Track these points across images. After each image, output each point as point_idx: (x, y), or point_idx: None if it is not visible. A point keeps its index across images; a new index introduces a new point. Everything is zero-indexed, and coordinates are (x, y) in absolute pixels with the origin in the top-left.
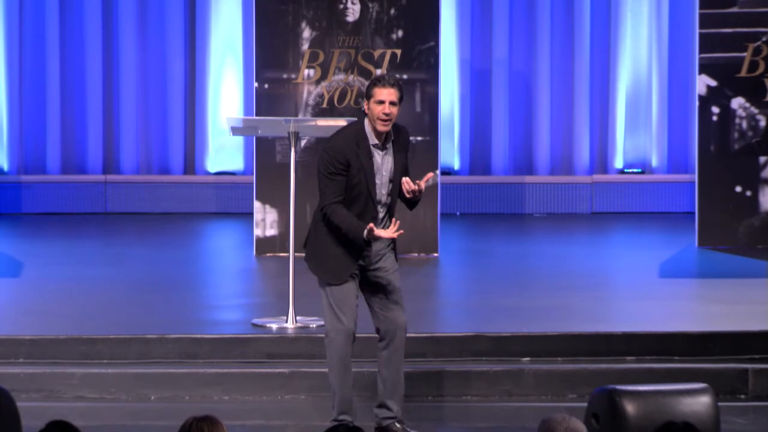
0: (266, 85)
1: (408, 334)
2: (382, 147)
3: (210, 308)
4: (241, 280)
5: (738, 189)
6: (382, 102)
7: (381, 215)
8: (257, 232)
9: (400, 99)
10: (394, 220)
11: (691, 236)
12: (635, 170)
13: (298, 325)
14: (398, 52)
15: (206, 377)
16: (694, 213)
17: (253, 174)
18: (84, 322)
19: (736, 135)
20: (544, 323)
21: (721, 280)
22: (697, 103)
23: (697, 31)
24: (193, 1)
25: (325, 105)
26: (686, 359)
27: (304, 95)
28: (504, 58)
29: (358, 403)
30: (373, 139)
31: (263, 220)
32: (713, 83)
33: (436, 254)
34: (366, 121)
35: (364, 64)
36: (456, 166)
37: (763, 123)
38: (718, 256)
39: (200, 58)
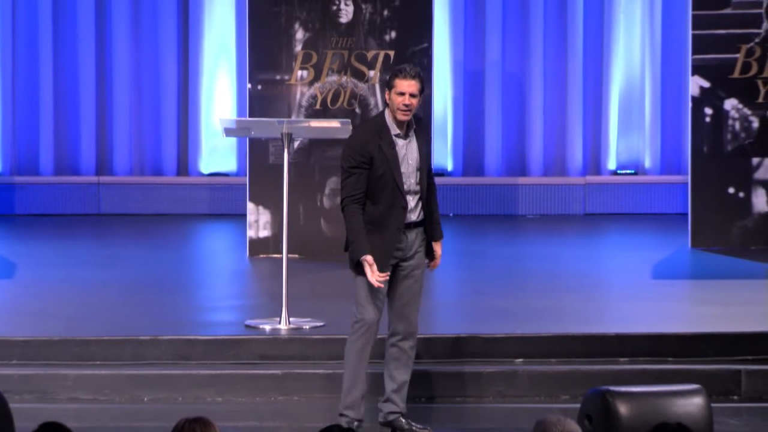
0: (259, 87)
1: None
2: (405, 136)
3: (203, 310)
4: (234, 281)
5: (731, 190)
6: (402, 93)
7: (412, 204)
8: (250, 233)
9: (421, 91)
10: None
11: (684, 237)
12: (628, 171)
13: (291, 326)
14: (391, 53)
15: (199, 378)
16: (687, 214)
17: (246, 175)
18: (77, 324)
19: (729, 136)
20: (537, 324)
21: (715, 281)
22: (690, 105)
23: (690, 32)
24: (187, 3)
25: (318, 106)
26: (679, 360)
27: (297, 96)
28: (497, 60)
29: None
30: (395, 129)
31: (256, 221)
32: (706, 84)
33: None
34: (387, 112)
35: (357, 65)
36: (449, 167)
37: (756, 124)
38: (711, 257)
39: (193, 60)
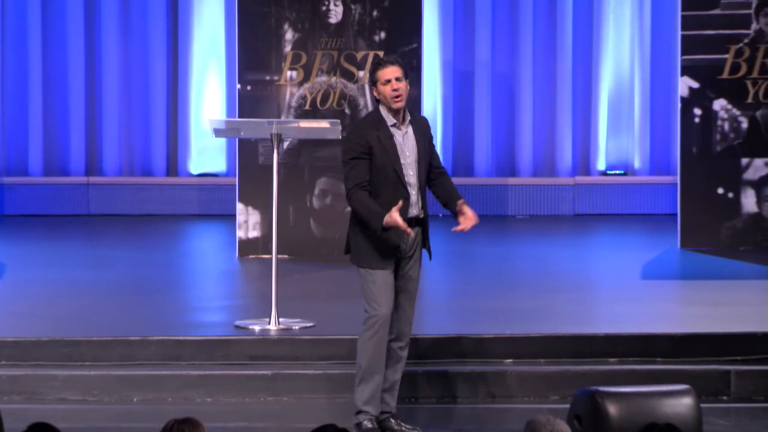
0: (249, 87)
1: None
2: (401, 127)
3: (193, 310)
4: (223, 282)
5: (720, 191)
6: (388, 81)
7: (413, 197)
8: (240, 233)
9: (406, 74)
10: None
11: (673, 238)
12: (617, 172)
13: (281, 327)
14: (381, 53)
15: (189, 379)
16: (676, 215)
17: (235, 176)
18: (67, 324)
19: (718, 137)
20: (526, 325)
21: (704, 281)
22: (679, 105)
23: (680, 32)
24: (176, 3)
25: (307, 107)
26: (669, 361)
27: (287, 97)
28: (487, 60)
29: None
30: (390, 120)
31: (246, 221)
32: (695, 85)
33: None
34: (380, 107)
35: (346, 65)
36: None
37: (745, 125)
38: (700, 257)
39: (183, 60)
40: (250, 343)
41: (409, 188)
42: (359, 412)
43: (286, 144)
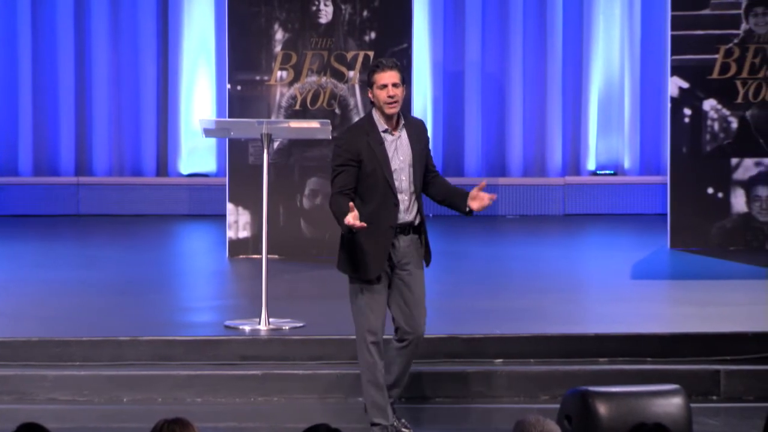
0: (239, 87)
1: None
2: (393, 131)
3: (183, 310)
4: (213, 282)
5: (710, 191)
6: (384, 86)
7: (405, 203)
8: (230, 234)
9: (402, 80)
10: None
11: (663, 238)
12: (607, 172)
13: (271, 327)
14: (371, 53)
15: (179, 379)
16: (666, 215)
17: (225, 176)
18: (56, 325)
19: (708, 137)
20: (516, 325)
21: (693, 281)
22: (669, 105)
23: (669, 33)
24: (166, 3)
25: (297, 107)
26: (658, 360)
27: (277, 97)
28: (477, 60)
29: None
30: (382, 125)
31: (236, 221)
32: (685, 85)
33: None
34: (374, 111)
35: (336, 65)
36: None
37: (735, 125)
38: (690, 257)
39: (173, 60)
40: (240, 343)
41: (399, 194)
42: (373, 424)
43: (276, 144)
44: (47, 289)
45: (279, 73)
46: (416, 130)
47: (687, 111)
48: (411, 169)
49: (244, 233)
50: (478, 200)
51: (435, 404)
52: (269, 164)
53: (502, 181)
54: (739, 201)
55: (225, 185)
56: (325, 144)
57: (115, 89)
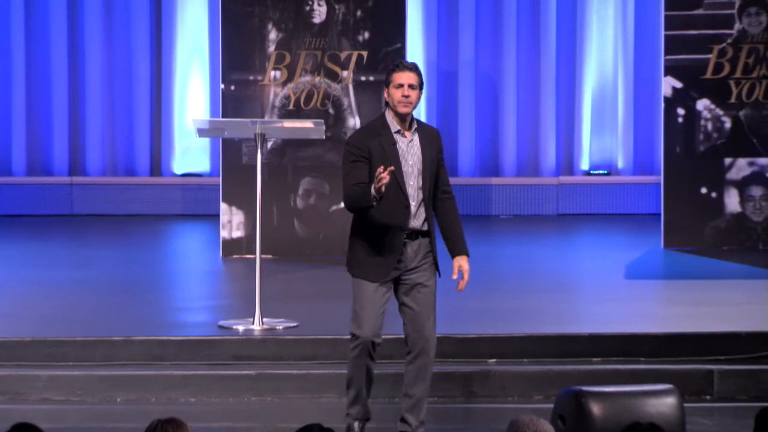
0: (232, 87)
1: None
2: (406, 134)
3: (176, 310)
4: (207, 282)
5: (703, 190)
6: (401, 85)
7: (413, 208)
8: (224, 233)
9: (420, 84)
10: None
11: (656, 238)
12: (601, 172)
13: (265, 327)
14: (364, 53)
15: (172, 379)
16: (659, 214)
17: (219, 176)
18: (50, 324)
19: (701, 137)
20: (510, 325)
21: (687, 281)
22: (662, 105)
23: (663, 33)
24: (159, 3)
25: (291, 107)
26: (652, 360)
27: (271, 97)
28: (470, 60)
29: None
30: (395, 126)
31: (230, 221)
32: (678, 85)
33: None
34: (387, 111)
35: (330, 65)
36: None
37: (728, 125)
38: (683, 257)
39: (166, 60)
40: (233, 343)
41: (409, 198)
42: (347, 414)
43: (269, 144)
44: (40, 289)
45: (272, 72)
46: (429, 136)
47: (680, 111)
48: (420, 176)
49: (237, 233)
50: (462, 282)
51: (429, 404)
52: (263, 164)
53: (495, 180)
54: (732, 201)
55: (219, 185)
56: (319, 144)
57: (108, 89)
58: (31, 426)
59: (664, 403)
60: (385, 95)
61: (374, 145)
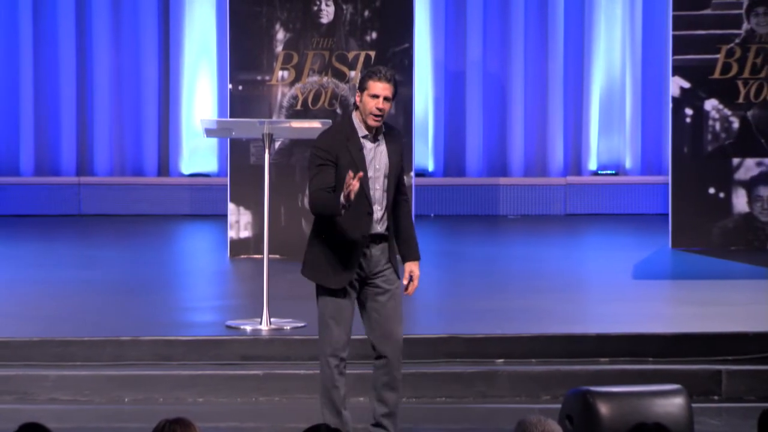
0: (240, 87)
1: None
2: (373, 139)
3: (184, 310)
4: (215, 282)
5: (711, 191)
6: (376, 96)
7: (378, 214)
8: (231, 233)
9: (395, 95)
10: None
11: (664, 238)
12: (609, 172)
13: (273, 327)
14: (372, 53)
15: (180, 379)
16: (667, 215)
17: (227, 176)
18: (57, 324)
19: (709, 137)
20: (518, 325)
21: (695, 281)
22: (670, 105)
23: (671, 33)
24: (167, 3)
25: (299, 107)
26: (660, 360)
27: (278, 97)
28: (478, 60)
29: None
30: (362, 131)
31: (237, 221)
32: (687, 85)
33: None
34: (355, 114)
35: (338, 65)
36: (430, 167)
37: (736, 125)
38: (691, 257)
39: (174, 60)
40: (241, 343)
41: (373, 204)
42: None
43: (277, 144)
44: (48, 289)
45: (280, 73)
46: (395, 141)
47: (688, 111)
48: (386, 180)
49: (245, 233)
50: (411, 286)
51: (436, 404)
52: (270, 164)
53: (503, 181)
54: (740, 201)
55: (226, 185)
56: None
57: (116, 89)
58: (39, 426)
59: (671, 404)
60: (357, 99)
61: (341, 150)
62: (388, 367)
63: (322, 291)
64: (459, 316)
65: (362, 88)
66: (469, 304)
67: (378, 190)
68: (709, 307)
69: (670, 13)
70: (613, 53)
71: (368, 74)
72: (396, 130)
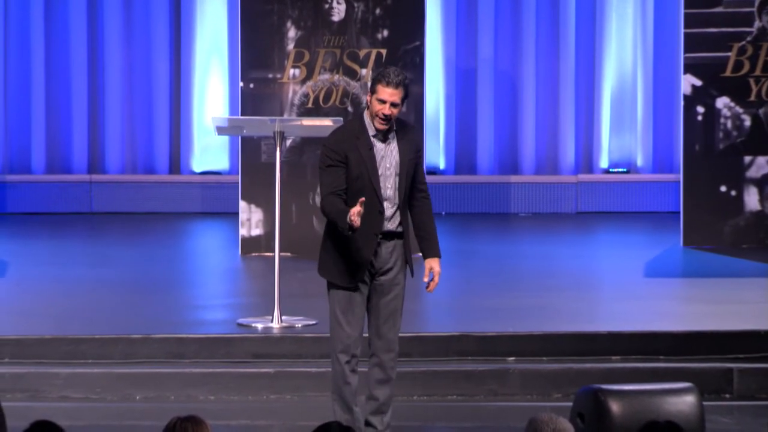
0: (252, 85)
1: None
2: (384, 138)
3: (195, 308)
4: (226, 279)
5: (723, 188)
6: (383, 102)
7: (389, 212)
8: (243, 231)
9: (404, 99)
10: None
11: (676, 236)
12: (620, 170)
13: (284, 324)
14: (383, 51)
15: (191, 377)
16: (679, 213)
17: (238, 174)
18: (69, 322)
19: (721, 135)
20: (529, 323)
21: (706, 279)
22: (682, 103)
23: (682, 30)
24: (179, 1)
25: (310, 105)
26: (671, 359)
27: (290, 95)
28: (489, 58)
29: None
30: (372, 130)
31: (249, 219)
32: (698, 83)
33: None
34: (366, 113)
35: (349, 63)
36: (441, 165)
37: (747, 122)
38: (703, 255)
39: (185, 58)
40: (252, 341)
41: (384, 202)
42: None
43: (288, 142)
44: (60, 287)
45: (291, 71)
46: (409, 137)
47: (700, 109)
48: (397, 178)
49: (256, 231)
50: (433, 283)
51: (448, 402)
52: (282, 162)
53: (514, 178)
54: (752, 199)
55: (238, 183)
56: None
57: (127, 87)
58: (51, 424)
59: (683, 402)
60: (368, 99)
61: (351, 149)
62: (381, 366)
63: (333, 288)
64: (470, 314)
65: (372, 90)
66: (480, 302)
67: (389, 188)
68: (720, 305)
69: (682, 11)
70: (624, 51)
71: (378, 77)
72: (410, 126)
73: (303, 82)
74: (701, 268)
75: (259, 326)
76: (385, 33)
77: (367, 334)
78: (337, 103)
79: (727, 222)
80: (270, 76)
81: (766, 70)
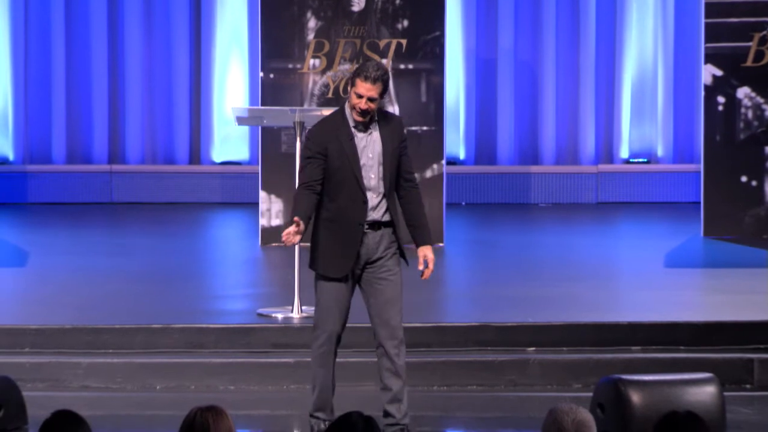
0: (272, 75)
1: (413, 324)
2: (365, 128)
3: (215, 298)
4: (246, 269)
5: (743, 179)
6: (360, 96)
7: (374, 201)
8: (263, 221)
9: (382, 93)
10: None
11: (696, 226)
12: (641, 160)
13: (304, 315)
14: (404, 41)
15: (212, 367)
16: (699, 203)
17: (258, 164)
18: (89, 312)
19: (741, 125)
20: (549, 313)
21: (727, 269)
22: (702, 93)
23: (703, 20)
24: None
25: (330, 95)
26: (692, 349)
27: (310, 85)
28: (509, 48)
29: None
30: (353, 121)
31: (269, 209)
32: (719, 73)
33: (441, 244)
34: (347, 104)
35: (369, 53)
36: (461, 155)
37: None
38: (723, 245)
39: (206, 48)
40: (272, 331)
41: (368, 192)
42: (311, 416)
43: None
44: (80, 277)
45: (312, 61)
46: (392, 127)
47: (720, 99)
48: (381, 167)
49: (276, 221)
50: (427, 271)
51: (467, 392)
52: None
53: (534, 169)
54: None
55: (258, 173)
56: None
57: (148, 77)
58: (71, 413)
59: (703, 392)
60: (349, 89)
61: (331, 140)
62: (388, 355)
63: (319, 278)
64: (490, 304)
65: (352, 83)
66: (500, 292)
67: (372, 178)
68: (740, 296)
69: (702, 1)
70: (644, 41)
71: (357, 71)
72: (392, 116)
73: (323, 72)
74: (722, 258)
75: (279, 316)
76: (405, 23)
77: (369, 324)
78: None
79: (747, 212)
80: (290, 66)
81: None
